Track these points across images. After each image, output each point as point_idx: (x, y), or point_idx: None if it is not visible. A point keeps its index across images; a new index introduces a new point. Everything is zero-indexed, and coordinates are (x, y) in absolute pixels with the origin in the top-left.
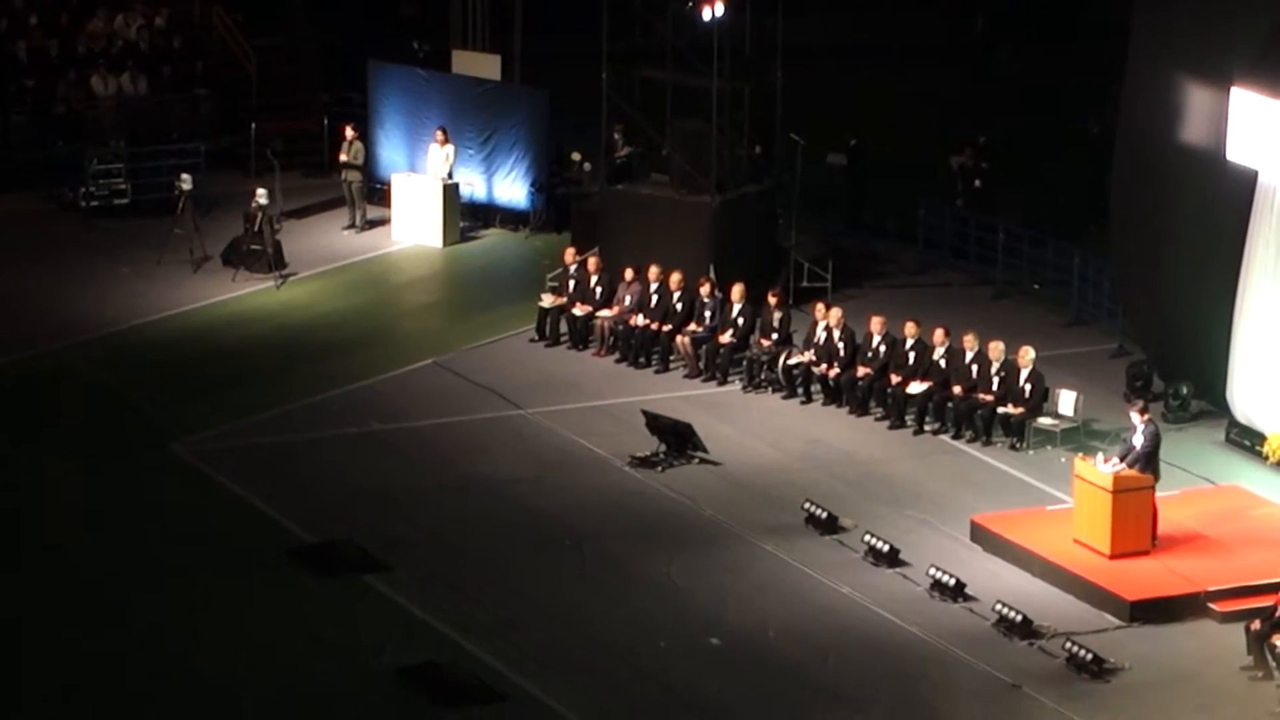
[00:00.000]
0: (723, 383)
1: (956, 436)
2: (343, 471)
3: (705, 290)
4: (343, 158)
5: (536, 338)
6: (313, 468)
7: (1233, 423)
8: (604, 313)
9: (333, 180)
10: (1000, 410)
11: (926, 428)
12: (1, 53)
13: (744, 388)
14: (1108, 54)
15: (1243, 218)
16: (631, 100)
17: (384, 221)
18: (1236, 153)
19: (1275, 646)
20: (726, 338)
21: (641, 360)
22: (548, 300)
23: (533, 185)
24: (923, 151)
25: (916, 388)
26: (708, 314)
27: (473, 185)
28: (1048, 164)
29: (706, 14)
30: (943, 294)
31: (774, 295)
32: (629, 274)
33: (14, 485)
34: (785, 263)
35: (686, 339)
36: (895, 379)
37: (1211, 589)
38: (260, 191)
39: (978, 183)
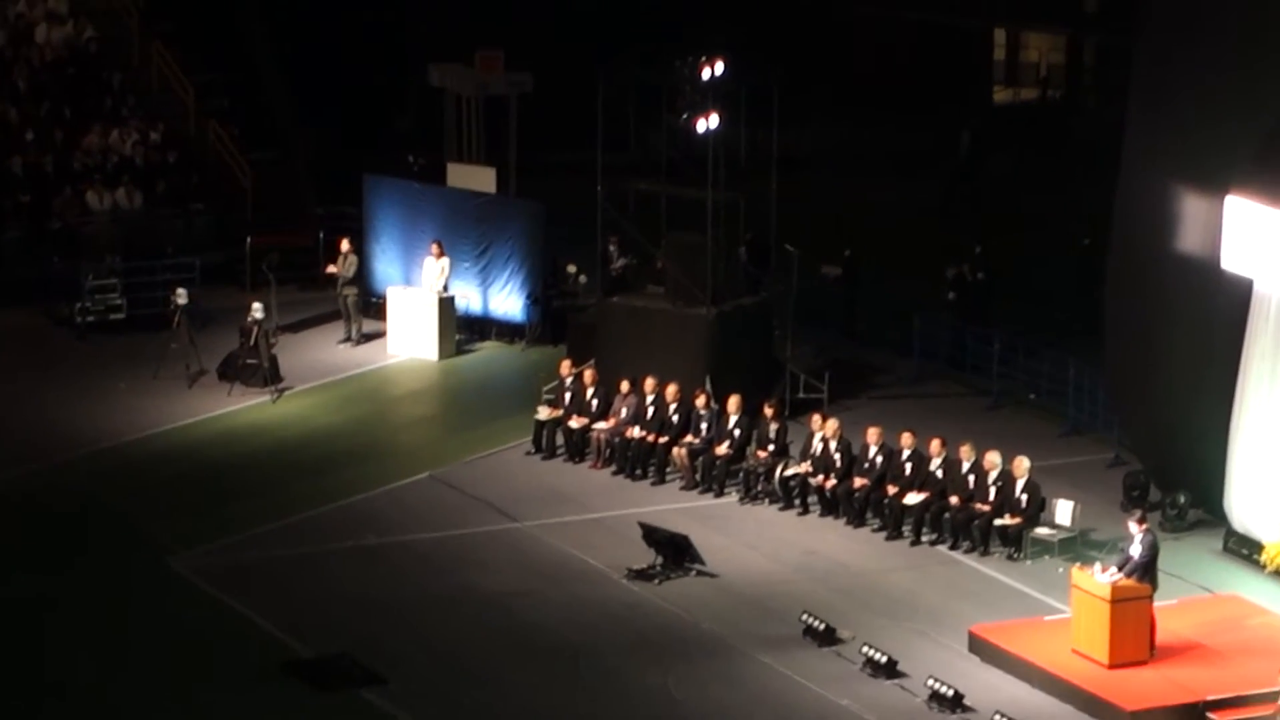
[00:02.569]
0: (719, 494)
1: (954, 547)
2: (339, 585)
3: (701, 402)
4: (333, 270)
5: (533, 450)
6: (309, 582)
7: (1230, 532)
8: (600, 425)
9: (328, 294)
10: (997, 521)
11: (924, 538)
12: None
13: (740, 499)
14: (1101, 165)
15: (1238, 327)
16: (626, 212)
17: (380, 335)
18: (1231, 261)
19: None
20: (723, 449)
21: (638, 472)
22: (544, 413)
23: (528, 298)
24: (918, 262)
25: (913, 498)
26: (704, 426)
27: (468, 298)
28: (1041, 274)
29: (701, 126)
30: (939, 405)
31: (770, 407)
32: (625, 386)
33: (11, 601)
34: (781, 374)
35: (683, 451)
36: (892, 490)
37: (1210, 699)
38: (256, 305)
39: (954, 294)
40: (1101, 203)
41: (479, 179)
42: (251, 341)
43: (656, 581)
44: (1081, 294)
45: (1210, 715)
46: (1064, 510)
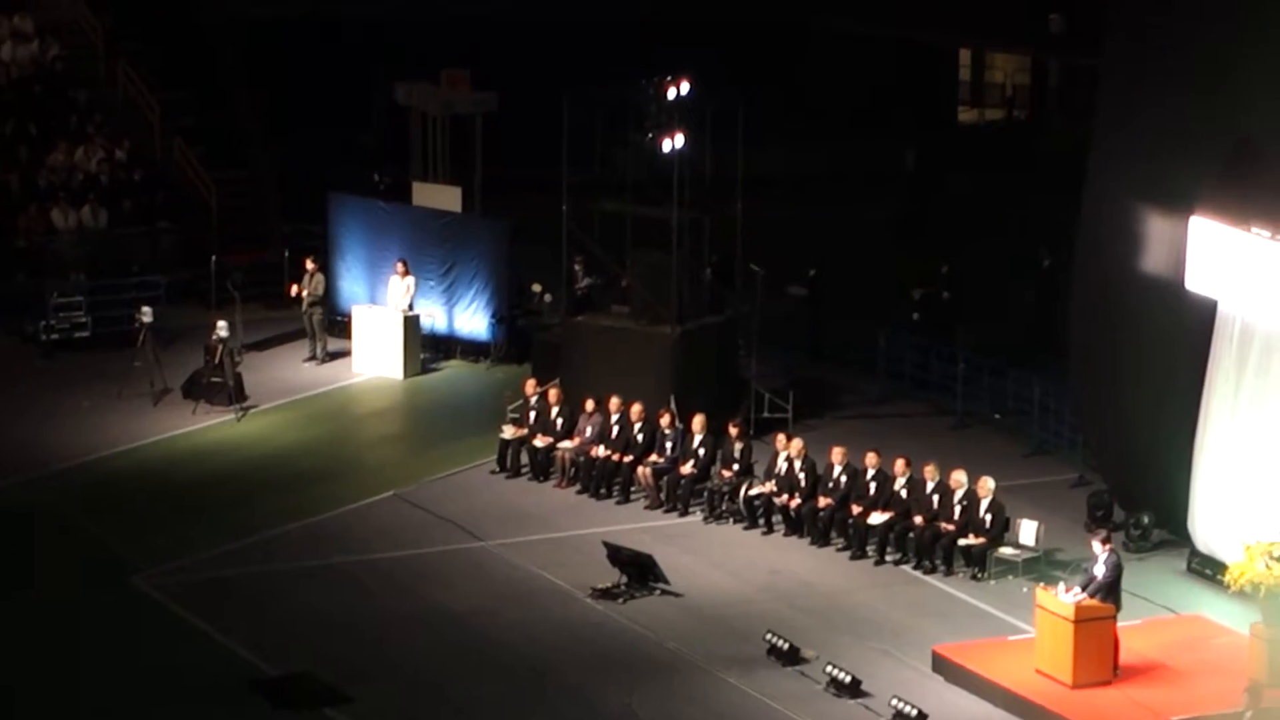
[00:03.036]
0: (684, 514)
1: (918, 567)
2: (304, 604)
3: (666, 421)
4: (297, 290)
5: (498, 469)
6: (273, 600)
7: (1194, 552)
8: (565, 444)
9: (293, 312)
10: (962, 541)
11: (888, 558)
12: None
13: (705, 519)
14: (1064, 183)
15: (1202, 347)
16: (592, 232)
17: (345, 353)
18: (1196, 281)
19: None
20: (688, 469)
21: (603, 492)
22: (509, 432)
23: (493, 317)
24: (882, 282)
25: (878, 518)
26: (669, 445)
27: (434, 317)
28: (1003, 293)
29: (666, 146)
30: (904, 424)
31: (735, 426)
32: (590, 405)
33: None
34: (746, 393)
35: (647, 470)
36: (856, 510)
37: (1173, 719)
38: (221, 324)
39: (918, 314)
40: (1063, 223)
41: (444, 198)
42: (216, 360)
43: (621, 601)
44: (1040, 313)
45: None
46: (1028, 530)
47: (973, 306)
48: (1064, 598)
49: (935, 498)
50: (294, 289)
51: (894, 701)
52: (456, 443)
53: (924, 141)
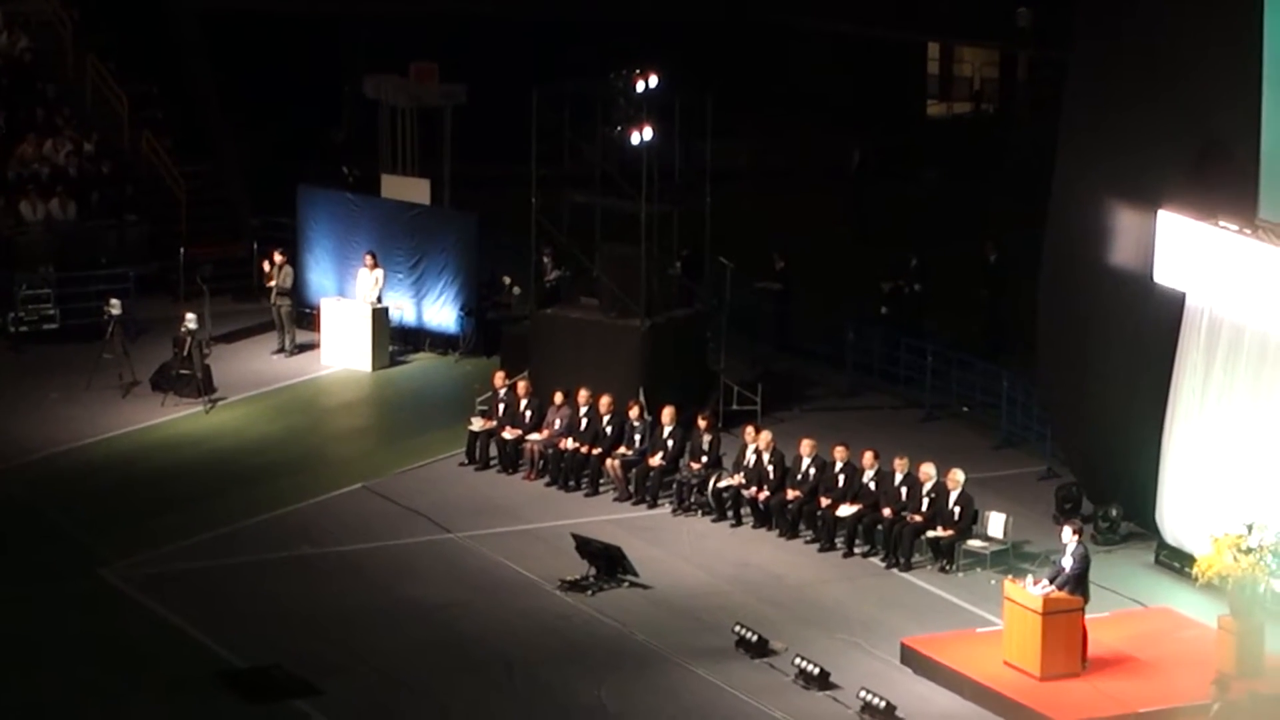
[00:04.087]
0: (653, 506)
1: (886, 559)
2: (272, 596)
3: (635, 413)
4: (271, 282)
5: (466, 461)
6: (242, 592)
7: (1162, 545)
8: (534, 436)
9: (262, 305)
10: (930, 533)
11: (856, 550)
12: None
13: (674, 511)
14: (1033, 179)
15: (1171, 340)
16: (561, 224)
17: (313, 346)
18: (1164, 275)
19: None
20: (656, 461)
21: (571, 484)
22: (477, 424)
23: (462, 309)
24: (848, 275)
25: (846, 511)
26: (637, 437)
27: (402, 309)
28: (962, 289)
29: (635, 138)
30: (872, 417)
31: (704, 418)
32: (559, 398)
33: None
34: (715, 386)
35: (616, 462)
36: (825, 502)
37: (1141, 711)
38: (189, 316)
39: (886, 308)
40: (1016, 218)
41: (413, 190)
42: (185, 352)
43: (590, 593)
44: (991, 311)
45: None
46: (996, 523)
47: (938, 301)
48: (1032, 590)
49: (903, 490)
50: (267, 277)
51: (862, 693)
52: (425, 435)
53: (884, 137)
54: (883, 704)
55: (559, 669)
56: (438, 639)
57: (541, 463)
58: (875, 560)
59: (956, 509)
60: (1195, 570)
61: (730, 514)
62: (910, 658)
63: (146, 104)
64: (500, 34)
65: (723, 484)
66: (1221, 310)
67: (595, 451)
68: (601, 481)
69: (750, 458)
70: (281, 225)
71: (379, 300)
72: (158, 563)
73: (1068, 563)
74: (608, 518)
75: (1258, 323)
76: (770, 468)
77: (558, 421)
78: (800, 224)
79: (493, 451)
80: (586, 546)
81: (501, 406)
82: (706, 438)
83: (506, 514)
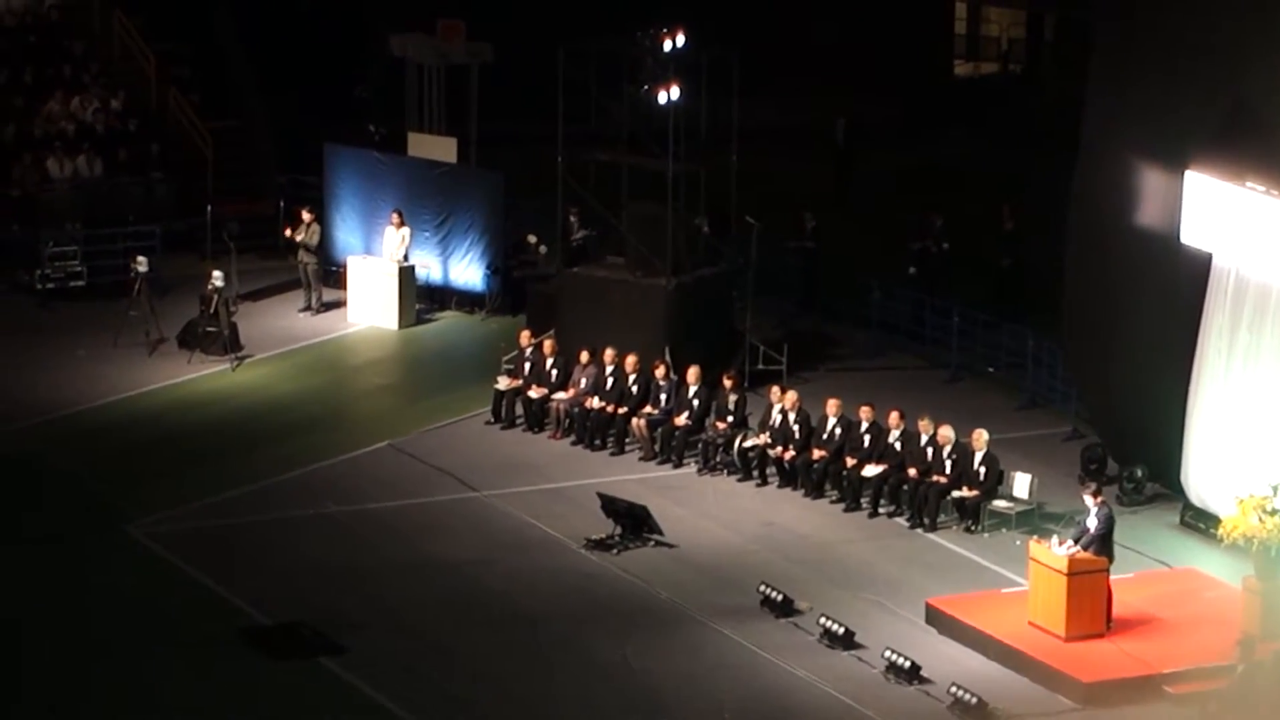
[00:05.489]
0: (678, 465)
1: (911, 519)
2: (298, 553)
3: (660, 373)
4: (297, 238)
5: (492, 420)
6: (268, 549)
7: (1187, 505)
8: (559, 395)
9: (288, 262)
10: (955, 493)
11: (881, 510)
12: None
13: (699, 470)
14: (1059, 139)
15: (1197, 301)
16: (587, 183)
17: (340, 304)
18: (1191, 236)
19: None
20: (682, 420)
21: (597, 443)
22: (503, 383)
23: (488, 268)
24: (878, 233)
25: (871, 471)
26: (663, 397)
27: (429, 268)
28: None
29: (662, 97)
30: (898, 377)
31: (729, 378)
32: (584, 357)
33: None
34: (741, 345)
35: (642, 422)
36: (850, 462)
37: (1166, 671)
38: (216, 274)
39: (914, 269)
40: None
41: (440, 149)
42: (211, 309)
43: (615, 551)
44: (1012, 278)
45: (1166, 688)
46: (1021, 483)
47: (960, 262)
48: (1057, 550)
49: (929, 450)
50: (288, 231)
51: (887, 653)
52: (451, 393)
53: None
54: (907, 664)
55: (584, 627)
56: (463, 597)
57: (567, 421)
58: (900, 520)
59: (982, 469)
60: (1220, 531)
61: (756, 474)
62: (935, 618)
63: (173, 61)
64: None
65: (748, 443)
66: (1248, 271)
67: (621, 411)
68: (627, 441)
69: (776, 417)
70: (308, 183)
71: (405, 258)
72: (184, 519)
73: (1092, 523)
74: (633, 477)
75: None
76: (796, 427)
77: (583, 380)
78: (825, 182)
79: (518, 410)
80: (612, 505)
81: (527, 365)
82: (732, 397)
83: (532, 473)
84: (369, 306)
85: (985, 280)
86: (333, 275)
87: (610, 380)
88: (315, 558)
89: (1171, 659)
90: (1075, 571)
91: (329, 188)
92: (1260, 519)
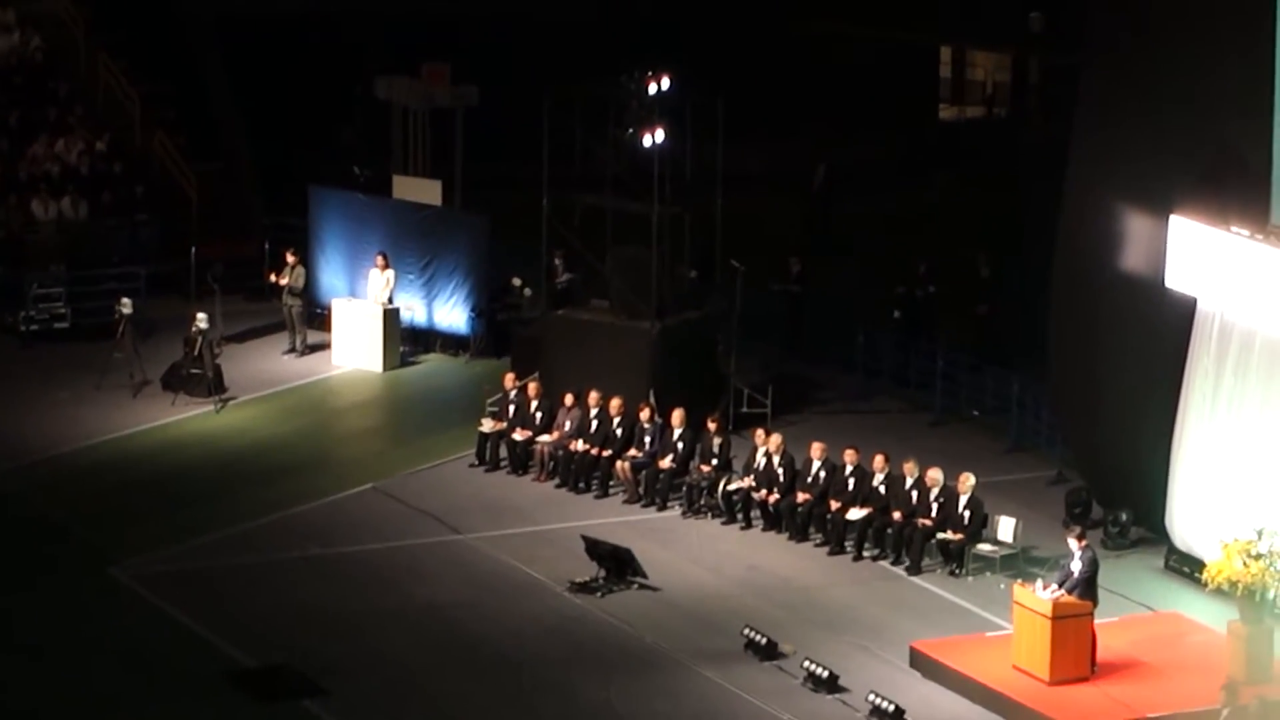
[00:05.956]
0: (662, 508)
1: (895, 562)
2: (282, 596)
3: (645, 416)
4: (283, 281)
5: (476, 463)
6: (252, 592)
7: (1172, 550)
8: (544, 438)
9: (273, 304)
10: (939, 536)
11: (866, 554)
12: None
13: (683, 513)
14: (1046, 182)
15: (1182, 345)
16: (572, 226)
17: (324, 346)
18: (1175, 280)
19: None
20: (666, 463)
21: (581, 485)
22: (488, 425)
23: (473, 310)
24: (864, 278)
25: (856, 514)
26: (648, 439)
27: (413, 310)
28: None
29: (647, 141)
30: (882, 420)
31: (714, 421)
32: (569, 399)
33: None
34: (725, 389)
35: (626, 464)
36: (835, 505)
37: (1150, 716)
38: (200, 316)
39: (899, 312)
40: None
41: (425, 191)
42: (196, 351)
43: (599, 594)
44: (989, 326)
45: None
46: (1006, 527)
47: (946, 306)
48: (1042, 594)
49: (914, 494)
50: (273, 276)
51: (871, 697)
52: (435, 436)
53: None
54: (891, 707)
55: (567, 670)
56: (446, 639)
57: (552, 464)
58: (885, 564)
59: (966, 513)
60: (1205, 575)
61: (740, 517)
62: (919, 661)
63: (158, 103)
64: (512, 35)
65: (733, 487)
66: (1233, 315)
67: (605, 453)
68: (611, 483)
69: (760, 460)
70: (293, 225)
71: (390, 301)
72: (167, 561)
73: (1077, 567)
74: (617, 520)
75: (1269, 328)
76: (780, 470)
77: (568, 423)
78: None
79: (503, 453)
80: (596, 548)
81: (512, 408)
82: (717, 440)
83: (516, 515)
84: (353, 349)
85: (970, 324)
86: (317, 317)
87: (595, 423)
88: (299, 600)
89: (1156, 703)
90: (1059, 615)
91: (314, 230)
92: (1245, 563)
